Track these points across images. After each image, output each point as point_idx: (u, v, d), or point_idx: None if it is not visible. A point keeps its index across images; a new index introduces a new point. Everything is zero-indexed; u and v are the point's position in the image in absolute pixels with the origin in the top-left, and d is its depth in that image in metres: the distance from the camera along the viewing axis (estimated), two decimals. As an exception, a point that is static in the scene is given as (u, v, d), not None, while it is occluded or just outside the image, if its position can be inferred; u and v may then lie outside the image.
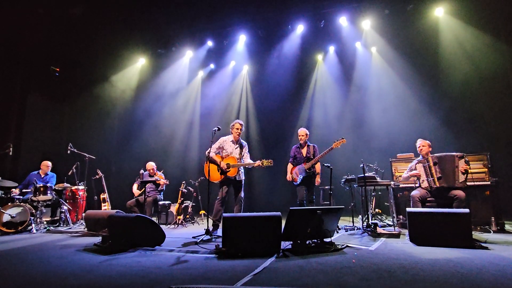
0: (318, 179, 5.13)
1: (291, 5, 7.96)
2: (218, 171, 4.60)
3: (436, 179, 4.35)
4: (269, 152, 9.13)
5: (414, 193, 4.44)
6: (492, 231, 4.51)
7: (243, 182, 4.87)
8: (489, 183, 4.86)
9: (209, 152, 4.62)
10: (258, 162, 4.56)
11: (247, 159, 4.87)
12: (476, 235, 4.17)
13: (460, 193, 4.14)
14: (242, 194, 4.81)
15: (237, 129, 4.83)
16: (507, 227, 4.76)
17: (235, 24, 8.44)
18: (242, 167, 4.82)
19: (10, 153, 6.03)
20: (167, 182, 6.45)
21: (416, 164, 4.67)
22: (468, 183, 4.66)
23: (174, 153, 9.54)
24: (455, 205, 4.11)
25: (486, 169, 5.01)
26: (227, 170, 4.56)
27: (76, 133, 8.87)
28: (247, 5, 7.96)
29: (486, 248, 3.33)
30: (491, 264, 2.65)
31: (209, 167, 4.65)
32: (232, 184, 4.78)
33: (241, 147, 4.89)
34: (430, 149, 4.62)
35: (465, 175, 4.23)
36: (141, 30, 8.60)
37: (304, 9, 7.95)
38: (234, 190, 4.81)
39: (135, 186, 6.45)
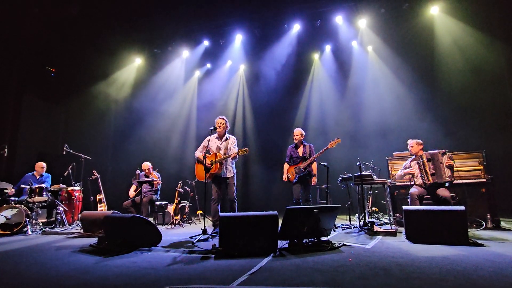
0: (314, 180, 5.14)
1: (287, 4, 7.96)
2: (205, 170, 4.59)
3: (430, 176, 4.43)
4: (266, 152, 9.15)
5: (412, 190, 4.47)
6: (487, 228, 4.54)
7: (233, 181, 4.74)
8: (484, 180, 4.90)
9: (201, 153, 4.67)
10: (233, 153, 4.48)
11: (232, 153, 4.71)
12: (472, 232, 4.19)
13: (445, 193, 4.21)
14: (234, 194, 4.68)
15: (221, 123, 4.83)
16: (502, 224, 4.80)
17: (231, 24, 8.42)
18: (229, 164, 4.74)
19: (5, 154, 5.98)
20: (160, 181, 6.36)
21: (410, 162, 4.74)
22: (464, 181, 4.72)
23: (171, 153, 9.53)
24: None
25: (482, 167, 5.04)
26: (210, 167, 4.45)
27: (72, 133, 8.83)
28: (243, 4, 7.94)
29: (482, 245, 3.35)
30: (486, 261, 2.66)
31: (196, 167, 4.79)
32: (221, 182, 4.73)
33: (226, 141, 4.82)
34: (421, 146, 4.67)
35: (451, 170, 4.34)
36: (137, 29, 8.56)
37: (300, 8, 7.95)
38: (224, 188, 4.74)
39: (132, 189, 6.36)
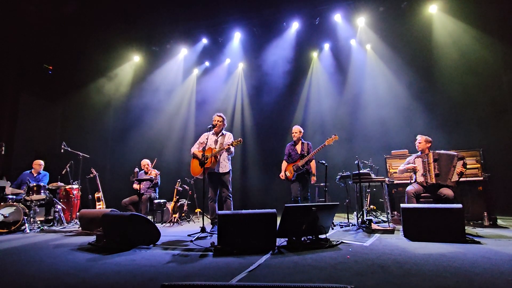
0: (314, 179, 5.15)
1: (286, 2, 7.94)
2: (200, 165, 4.58)
3: (433, 176, 4.33)
4: (264, 149, 9.15)
5: (409, 188, 4.47)
6: (484, 226, 4.57)
7: (229, 177, 4.72)
8: (481, 178, 4.92)
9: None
10: (227, 145, 4.48)
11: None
12: (469, 230, 4.22)
13: (449, 192, 4.14)
14: (229, 190, 4.67)
15: (218, 121, 4.83)
16: (499, 222, 4.82)
17: (230, 21, 8.39)
18: (224, 159, 4.72)
19: (2, 152, 5.95)
20: (158, 173, 6.31)
21: (415, 158, 4.62)
22: (460, 179, 4.71)
23: (169, 151, 9.51)
24: None
25: (479, 165, 5.07)
26: (205, 161, 4.41)
27: (69, 131, 8.80)
28: (242, 2, 7.92)
29: (479, 242, 3.38)
30: (483, 258, 2.68)
31: (191, 163, 4.79)
32: (216, 178, 4.71)
33: (223, 136, 4.83)
34: (429, 144, 4.57)
35: (459, 176, 4.23)
36: (135, 27, 8.52)
37: (299, 7, 7.94)
38: (219, 185, 4.73)
39: (135, 185, 6.30)
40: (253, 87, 9.60)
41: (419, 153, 4.66)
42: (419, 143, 4.62)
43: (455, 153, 4.35)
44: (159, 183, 6.35)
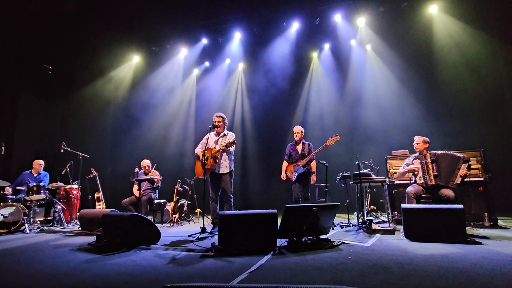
0: (314, 178, 5.14)
1: (287, 2, 7.94)
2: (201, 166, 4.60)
3: (432, 177, 4.30)
4: (265, 149, 9.15)
5: (409, 189, 4.44)
6: (485, 227, 4.56)
7: (230, 178, 4.70)
8: (482, 179, 4.91)
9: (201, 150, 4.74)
10: (221, 147, 4.53)
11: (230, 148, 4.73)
12: (470, 230, 4.21)
13: (449, 193, 4.10)
14: (230, 191, 4.65)
15: (218, 122, 4.83)
16: (499, 222, 4.82)
17: (230, 21, 8.39)
18: (225, 159, 4.70)
19: (2, 152, 5.93)
20: (160, 178, 6.35)
21: (413, 160, 4.60)
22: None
23: (169, 151, 9.51)
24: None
25: (480, 165, 5.06)
26: (205, 162, 4.40)
27: (69, 131, 8.79)
28: (242, 2, 7.92)
29: (480, 243, 3.37)
30: (485, 259, 2.67)
31: (196, 164, 4.84)
32: (218, 179, 4.70)
33: (224, 137, 4.84)
34: (427, 145, 4.52)
35: (462, 179, 4.19)
36: (134, 27, 8.51)
37: (299, 7, 7.94)
38: (220, 186, 4.71)
39: (135, 188, 6.30)
40: (253, 87, 9.60)
41: (417, 154, 4.63)
42: (417, 144, 4.58)
43: (461, 155, 4.26)
44: (159, 186, 6.34)
